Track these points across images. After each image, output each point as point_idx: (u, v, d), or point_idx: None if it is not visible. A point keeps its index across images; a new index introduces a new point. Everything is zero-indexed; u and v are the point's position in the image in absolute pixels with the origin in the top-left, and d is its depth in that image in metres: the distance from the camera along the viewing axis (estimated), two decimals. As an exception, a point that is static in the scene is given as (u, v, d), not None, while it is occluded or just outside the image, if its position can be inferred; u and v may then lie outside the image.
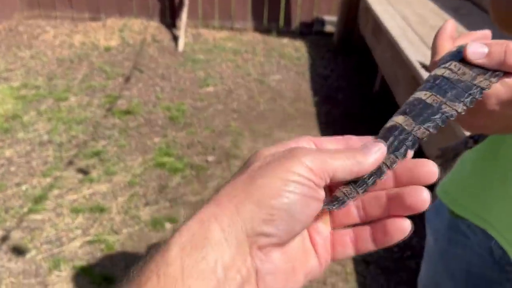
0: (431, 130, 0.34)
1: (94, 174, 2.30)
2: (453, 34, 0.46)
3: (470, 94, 0.36)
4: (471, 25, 2.46)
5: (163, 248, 0.28)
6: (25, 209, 2.05)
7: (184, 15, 4.03)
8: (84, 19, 4.26)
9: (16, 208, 2.05)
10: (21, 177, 2.25)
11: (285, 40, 4.20)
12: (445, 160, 0.70)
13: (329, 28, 4.27)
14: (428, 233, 0.87)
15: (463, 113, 0.35)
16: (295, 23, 4.37)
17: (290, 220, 0.30)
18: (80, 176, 2.29)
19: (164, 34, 4.10)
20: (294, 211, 0.30)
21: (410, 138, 0.34)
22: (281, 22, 4.36)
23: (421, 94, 0.37)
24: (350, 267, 1.83)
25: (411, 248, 1.91)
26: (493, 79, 0.38)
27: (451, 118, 0.35)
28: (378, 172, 0.33)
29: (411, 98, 0.37)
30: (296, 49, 4.03)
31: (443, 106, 0.35)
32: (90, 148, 2.50)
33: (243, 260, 0.28)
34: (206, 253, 0.27)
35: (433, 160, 0.33)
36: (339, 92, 3.29)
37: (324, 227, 0.34)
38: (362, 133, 0.37)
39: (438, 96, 0.36)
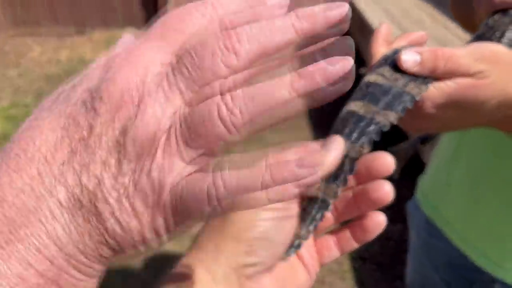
0: (365, 146, 0.33)
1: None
2: (388, 38, 0.47)
3: (401, 102, 0.36)
4: (453, 16, 2.47)
5: None
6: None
7: (169, 23, 4.04)
8: (70, 34, 4.26)
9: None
10: (14, 196, 2.25)
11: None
12: (397, 161, 0.71)
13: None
14: (411, 226, 0.89)
15: (395, 122, 0.35)
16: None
17: (270, 245, 0.30)
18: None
19: (151, 44, 4.10)
20: (272, 237, 0.30)
21: (346, 161, 0.32)
22: (267, 24, 4.37)
23: (353, 106, 0.37)
24: (346, 265, 1.84)
25: (406, 243, 1.92)
26: (423, 87, 0.38)
27: (385, 129, 0.35)
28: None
29: (344, 111, 0.37)
30: (283, 50, 4.05)
31: (376, 117, 0.35)
32: (82, 163, 2.50)
33: None
34: None
35: None
36: (328, 90, 3.30)
37: None
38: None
39: (370, 105, 0.36)
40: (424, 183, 0.83)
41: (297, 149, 0.22)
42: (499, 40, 0.45)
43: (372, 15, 2.76)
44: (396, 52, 0.40)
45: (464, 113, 0.44)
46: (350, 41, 0.22)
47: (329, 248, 0.35)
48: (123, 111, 0.21)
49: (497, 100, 0.43)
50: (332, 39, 0.22)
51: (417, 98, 0.37)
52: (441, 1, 2.98)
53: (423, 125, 0.47)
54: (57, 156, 0.21)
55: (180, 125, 0.21)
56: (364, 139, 0.33)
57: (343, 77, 0.20)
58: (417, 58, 0.38)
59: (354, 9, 3.12)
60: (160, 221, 0.21)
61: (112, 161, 0.21)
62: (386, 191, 0.33)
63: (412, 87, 0.38)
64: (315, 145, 0.23)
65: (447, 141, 0.76)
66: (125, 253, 0.22)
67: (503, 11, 0.48)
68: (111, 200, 0.21)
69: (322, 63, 0.20)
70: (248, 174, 0.21)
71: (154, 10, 4.24)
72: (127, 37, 0.26)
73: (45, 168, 0.21)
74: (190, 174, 0.21)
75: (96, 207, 0.21)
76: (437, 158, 0.78)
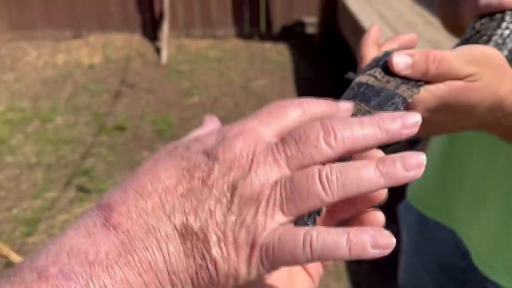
0: None
1: (84, 193, 2.31)
2: (378, 40, 0.47)
3: (393, 103, 0.36)
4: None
5: None
6: (17, 233, 2.06)
7: (165, 26, 4.05)
8: (66, 37, 4.27)
9: (8, 233, 2.06)
10: (11, 201, 2.26)
11: (268, 45, 4.23)
12: None
13: (310, 30, 4.31)
14: (402, 228, 0.90)
15: None
16: (276, 27, 4.41)
17: None
18: (70, 195, 2.30)
19: (147, 47, 4.11)
20: None
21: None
22: (262, 27, 4.39)
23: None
24: (342, 266, 1.86)
25: (401, 244, 1.94)
26: (415, 90, 0.38)
27: None
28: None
29: None
30: (278, 53, 4.07)
31: (367, 116, 0.34)
32: (79, 167, 2.51)
33: None
34: None
35: None
36: (323, 92, 3.32)
37: None
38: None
39: (362, 104, 0.35)
40: (415, 185, 0.84)
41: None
42: (486, 44, 0.45)
43: (365, 17, 2.79)
44: (387, 54, 0.39)
45: (456, 116, 0.44)
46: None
47: None
48: (235, 171, 0.26)
49: (488, 103, 0.43)
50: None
51: (409, 101, 0.36)
52: (434, 3, 3.01)
53: None
54: (178, 189, 0.26)
55: (284, 185, 0.25)
56: None
57: (416, 167, 0.26)
58: (409, 60, 0.38)
59: (347, 11, 3.14)
60: (255, 260, 0.25)
61: (224, 201, 0.25)
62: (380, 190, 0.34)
63: (404, 90, 0.37)
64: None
65: (437, 144, 0.78)
66: (218, 282, 0.26)
67: (490, 15, 0.48)
68: (219, 232, 0.25)
69: (403, 155, 0.26)
70: (336, 230, 0.25)
71: (150, 14, 4.25)
72: (209, 118, 0.33)
73: (166, 197, 0.25)
74: (287, 226, 0.26)
75: (205, 234, 0.25)
76: (428, 161, 0.80)
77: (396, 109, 0.36)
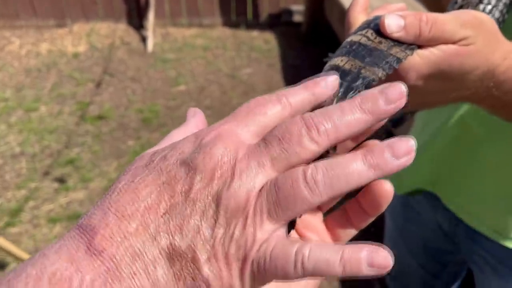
0: None
1: (69, 182, 2.29)
2: (366, 6, 0.45)
3: (387, 62, 0.34)
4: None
5: None
6: (1, 223, 2.03)
7: (151, 15, 4.00)
8: (49, 27, 4.19)
9: (-9, 223, 2.03)
10: (-6, 191, 2.23)
11: (255, 33, 4.20)
12: None
13: (297, 18, 4.29)
14: (386, 212, 0.91)
15: (383, 78, 0.33)
16: (263, 15, 4.38)
17: None
18: (55, 185, 2.27)
19: (132, 36, 4.06)
20: None
21: None
22: (249, 15, 4.36)
23: (337, 61, 0.34)
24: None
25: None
26: (408, 52, 0.37)
27: (374, 83, 0.33)
28: None
29: (327, 66, 0.35)
30: (266, 41, 4.04)
31: (362, 71, 0.33)
32: (64, 156, 2.48)
33: None
34: None
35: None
36: (310, 81, 3.31)
37: (316, 221, 0.32)
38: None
39: (356, 60, 0.34)
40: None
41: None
42: (475, 9, 0.44)
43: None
44: (378, 17, 0.38)
45: (449, 84, 0.42)
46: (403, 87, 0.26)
47: (344, 225, 0.32)
48: (217, 180, 0.24)
49: (481, 70, 0.42)
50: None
51: (403, 61, 0.35)
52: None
53: None
54: (160, 206, 0.24)
55: (270, 191, 0.24)
56: (351, 95, 0.31)
57: (406, 153, 0.24)
58: (401, 22, 0.36)
59: (334, 0, 3.13)
60: (247, 273, 0.24)
61: (210, 213, 0.24)
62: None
63: (397, 51, 0.36)
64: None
65: (421, 123, 0.77)
66: None
67: None
68: (208, 247, 0.23)
69: (391, 142, 0.25)
70: (330, 247, 0.24)
71: (136, 2, 4.19)
72: (193, 111, 0.31)
73: (150, 216, 0.24)
74: (279, 234, 0.24)
75: (194, 252, 0.23)
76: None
77: (391, 67, 0.34)
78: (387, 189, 0.29)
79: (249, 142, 0.26)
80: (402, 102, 0.26)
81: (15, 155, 2.50)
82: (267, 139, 0.25)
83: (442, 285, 0.86)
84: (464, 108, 0.67)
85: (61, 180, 2.30)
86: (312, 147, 0.25)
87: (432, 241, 0.79)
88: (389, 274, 0.95)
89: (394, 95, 0.25)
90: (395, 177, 0.82)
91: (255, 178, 0.24)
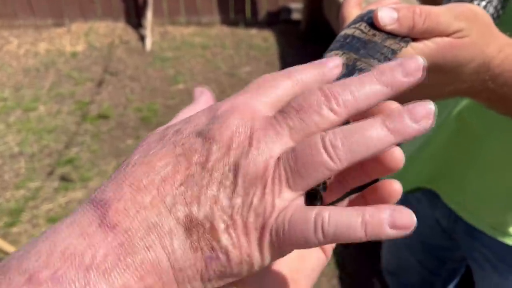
0: None
1: (68, 182, 2.28)
2: (360, 1, 0.45)
3: (382, 53, 0.34)
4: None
5: None
6: (0, 223, 2.03)
7: (149, 13, 3.99)
8: (47, 26, 4.19)
9: (-9, 223, 2.03)
10: (-6, 191, 2.22)
11: (253, 31, 4.20)
12: None
13: (296, 16, 4.28)
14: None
15: None
16: (262, 13, 4.37)
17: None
18: (54, 185, 2.27)
19: (131, 35, 4.05)
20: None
21: None
22: (248, 13, 4.35)
23: (332, 55, 0.34)
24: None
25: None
26: (402, 44, 0.37)
27: None
28: None
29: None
30: (264, 40, 4.04)
31: (358, 63, 0.33)
32: (63, 156, 2.48)
33: None
34: None
35: None
36: (309, 78, 3.31)
37: None
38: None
39: (351, 53, 0.34)
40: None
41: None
42: (470, 2, 0.44)
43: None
44: (372, 11, 0.38)
45: (444, 78, 0.42)
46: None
47: None
48: (235, 150, 0.23)
49: (476, 63, 0.41)
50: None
51: (398, 53, 0.35)
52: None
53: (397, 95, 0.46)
54: (176, 178, 0.23)
55: (288, 159, 0.23)
56: None
57: (426, 116, 0.24)
58: (394, 14, 0.36)
59: (333, -3, 3.12)
60: (266, 243, 0.23)
61: (227, 183, 0.23)
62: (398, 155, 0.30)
63: (392, 43, 0.36)
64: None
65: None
66: (231, 272, 0.23)
67: None
68: (226, 217, 0.23)
69: (410, 106, 0.24)
70: (350, 210, 0.23)
71: (134, 1, 4.18)
72: (199, 90, 0.31)
73: (165, 189, 0.23)
74: (297, 203, 0.24)
75: (212, 223, 0.23)
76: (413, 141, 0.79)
77: (386, 59, 0.34)
78: (396, 189, 0.28)
79: (264, 113, 0.25)
80: (419, 75, 0.25)
81: (14, 155, 2.50)
82: (284, 110, 0.25)
83: (440, 282, 0.86)
84: (463, 104, 0.67)
85: (60, 180, 2.30)
86: (332, 117, 0.24)
87: (430, 237, 0.79)
88: (387, 270, 0.95)
89: (412, 67, 0.25)
90: (396, 176, 0.82)
91: (273, 146, 0.24)
